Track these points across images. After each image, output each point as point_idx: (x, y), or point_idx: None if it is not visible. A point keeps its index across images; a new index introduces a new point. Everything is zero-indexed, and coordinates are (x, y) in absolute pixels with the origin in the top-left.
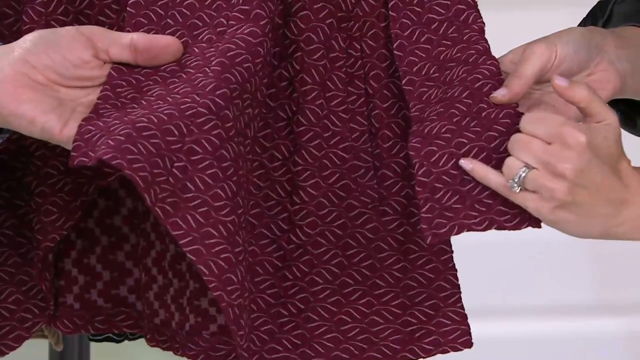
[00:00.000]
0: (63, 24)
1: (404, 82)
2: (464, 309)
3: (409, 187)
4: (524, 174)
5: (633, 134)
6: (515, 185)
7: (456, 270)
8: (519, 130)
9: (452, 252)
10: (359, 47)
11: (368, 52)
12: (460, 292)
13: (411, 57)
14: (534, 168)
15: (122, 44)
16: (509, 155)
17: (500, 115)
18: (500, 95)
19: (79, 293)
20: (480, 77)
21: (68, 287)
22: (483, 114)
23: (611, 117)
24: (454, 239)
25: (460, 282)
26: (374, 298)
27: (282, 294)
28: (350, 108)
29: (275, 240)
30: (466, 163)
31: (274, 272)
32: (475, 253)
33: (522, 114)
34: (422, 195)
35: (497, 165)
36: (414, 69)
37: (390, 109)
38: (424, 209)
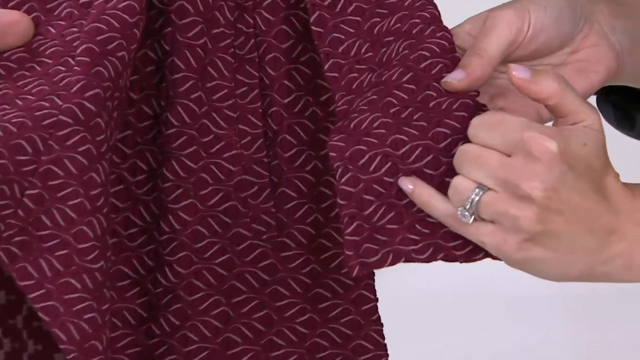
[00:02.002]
0: None
1: (326, 67)
2: None
3: (318, 212)
4: (477, 198)
5: (629, 135)
6: (467, 213)
7: (382, 325)
8: (467, 140)
9: (376, 299)
10: (251, 20)
11: (264, 28)
12: (388, 356)
13: (335, 34)
14: (490, 189)
15: None
16: (455, 174)
17: (454, 107)
18: (456, 79)
19: None
20: (427, 54)
21: None
22: (431, 104)
23: (591, 117)
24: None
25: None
26: None
27: (147, 354)
28: (240, 103)
29: (138, 282)
30: (406, 183)
31: (136, 324)
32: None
33: (484, 106)
34: (346, 211)
35: (449, 174)
36: (340, 49)
37: (294, 105)
38: (348, 230)
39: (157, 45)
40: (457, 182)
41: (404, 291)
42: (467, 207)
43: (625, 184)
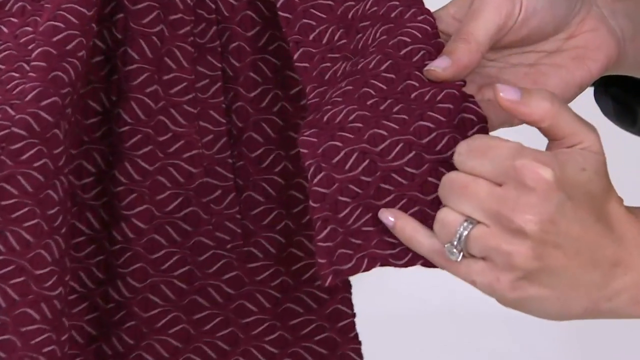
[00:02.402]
0: None
1: (296, 56)
2: None
3: (288, 218)
4: (465, 233)
5: (630, 132)
6: (455, 250)
7: (360, 343)
8: (452, 167)
9: (353, 315)
10: (213, 6)
11: (227, 14)
12: None
13: (305, 20)
14: (479, 223)
15: None
16: (441, 205)
17: (439, 98)
18: (440, 68)
19: None
20: (408, 40)
21: None
22: (412, 95)
23: (590, 138)
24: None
25: None
26: None
27: None
28: (200, 98)
29: (87, 296)
30: (386, 215)
31: (84, 344)
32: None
33: (471, 97)
34: (318, 215)
35: (434, 174)
36: (311, 37)
37: (261, 100)
38: (321, 235)
39: (107, 33)
40: (443, 215)
41: (385, 306)
42: (455, 242)
43: (629, 209)
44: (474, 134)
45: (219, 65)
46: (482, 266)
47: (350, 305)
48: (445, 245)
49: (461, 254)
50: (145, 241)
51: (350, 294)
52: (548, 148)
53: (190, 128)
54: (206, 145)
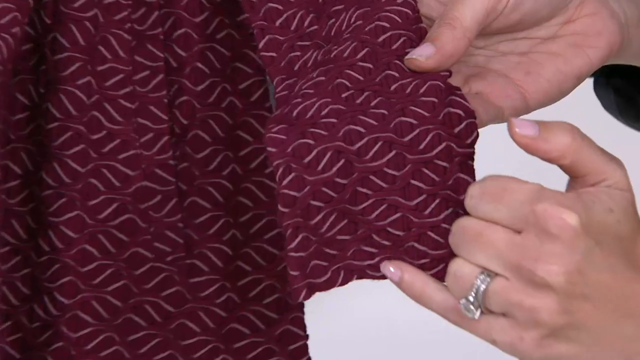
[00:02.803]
0: None
1: (261, 45)
2: None
3: (236, 227)
4: (483, 287)
5: (633, 127)
6: (472, 307)
7: None
8: (463, 211)
9: (306, 337)
10: None
11: None
12: None
13: (271, 4)
14: (498, 275)
15: None
16: (452, 255)
17: (422, 90)
18: (423, 56)
19: None
20: (386, 25)
21: None
22: (392, 88)
23: (616, 174)
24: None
25: None
26: None
27: None
28: (139, 92)
29: (10, 315)
30: (388, 267)
31: None
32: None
33: (457, 89)
34: (289, 221)
35: (417, 176)
36: (278, 23)
37: (208, 95)
38: (292, 244)
39: (35, 18)
40: (456, 267)
41: (342, 327)
42: (472, 298)
43: None
44: (461, 130)
45: (161, 55)
46: (502, 323)
47: (302, 326)
48: (461, 301)
49: (479, 310)
50: (76, 252)
51: (303, 313)
52: (570, 187)
53: (127, 125)
54: (145, 144)
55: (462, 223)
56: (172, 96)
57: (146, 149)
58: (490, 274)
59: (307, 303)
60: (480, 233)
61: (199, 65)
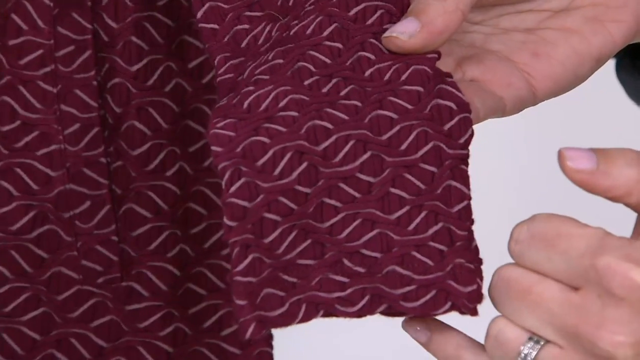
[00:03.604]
0: None
1: (200, 15)
2: None
3: (185, 241)
4: (532, 355)
5: None
6: None
7: None
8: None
9: None
10: None
11: None
12: None
13: None
14: (550, 343)
15: None
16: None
17: (404, 77)
18: (406, 34)
19: None
20: None
21: None
22: (366, 73)
23: None
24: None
25: None
26: None
27: None
28: (63, 72)
29: None
30: (416, 327)
31: None
32: None
33: (448, 75)
34: (236, 238)
35: (398, 183)
36: None
37: (147, 76)
38: (240, 266)
39: None
40: (498, 328)
41: None
42: None
43: None
44: (452, 127)
45: (89, 26)
46: None
47: None
48: None
49: None
50: None
51: (271, 347)
52: (636, 229)
53: (47, 114)
54: (70, 138)
55: (506, 274)
56: (103, 78)
57: (71, 143)
58: (541, 340)
59: (277, 335)
60: (529, 289)
61: (134, 39)
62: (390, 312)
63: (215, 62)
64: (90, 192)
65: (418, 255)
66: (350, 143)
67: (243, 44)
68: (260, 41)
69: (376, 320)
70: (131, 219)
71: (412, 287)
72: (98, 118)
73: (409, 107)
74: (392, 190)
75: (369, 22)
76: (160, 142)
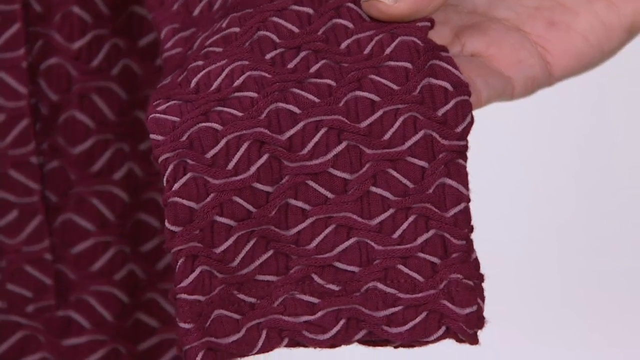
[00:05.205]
0: None
1: None
2: None
3: (134, 260)
4: None
5: None
6: None
7: None
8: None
9: None
10: None
11: None
12: None
13: None
14: None
15: None
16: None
17: (388, 51)
18: None
19: None
20: None
21: None
22: (342, 46)
23: None
24: None
25: None
26: None
27: None
28: None
29: None
30: None
31: None
32: None
33: (443, 49)
34: (180, 247)
35: (381, 181)
36: None
37: (90, 56)
38: (185, 282)
39: None
40: None
41: None
42: None
43: None
44: (448, 113)
45: (17, 5)
46: None
47: None
48: None
49: None
50: None
51: None
52: None
53: None
54: None
55: None
56: (36, 58)
57: None
58: None
59: None
60: None
61: (75, 10)
62: (371, 340)
63: (162, 35)
64: (17, 200)
65: (405, 269)
66: (322, 131)
67: (195, 12)
68: (216, 6)
69: None
70: (70, 233)
71: (398, 308)
72: (28, 107)
73: (394, 87)
74: (373, 189)
75: None
76: (106, 137)
